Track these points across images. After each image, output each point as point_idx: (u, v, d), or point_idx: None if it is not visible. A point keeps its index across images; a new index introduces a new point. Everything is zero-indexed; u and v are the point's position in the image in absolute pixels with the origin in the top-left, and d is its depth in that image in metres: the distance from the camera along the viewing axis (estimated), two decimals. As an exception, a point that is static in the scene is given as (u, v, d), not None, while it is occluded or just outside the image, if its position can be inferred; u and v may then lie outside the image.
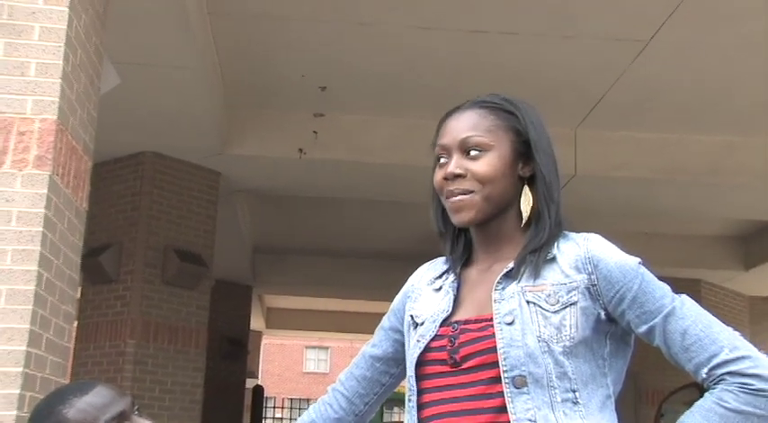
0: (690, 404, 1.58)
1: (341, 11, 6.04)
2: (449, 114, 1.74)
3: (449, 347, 1.63)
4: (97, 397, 1.69)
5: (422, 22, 6.14)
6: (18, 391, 3.05)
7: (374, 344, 1.88)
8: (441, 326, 1.67)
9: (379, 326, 1.89)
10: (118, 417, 1.68)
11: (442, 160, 1.70)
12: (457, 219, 1.69)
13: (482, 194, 1.66)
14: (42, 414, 1.72)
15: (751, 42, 6.27)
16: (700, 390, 1.58)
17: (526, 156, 1.68)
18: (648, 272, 1.62)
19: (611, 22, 6.05)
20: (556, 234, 1.66)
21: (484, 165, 1.66)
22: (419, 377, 1.67)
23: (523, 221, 1.67)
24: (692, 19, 5.91)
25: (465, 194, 1.67)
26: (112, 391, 1.72)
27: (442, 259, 1.81)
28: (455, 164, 1.68)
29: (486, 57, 6.53)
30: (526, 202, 1.67)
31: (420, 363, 1.67)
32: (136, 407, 1.74)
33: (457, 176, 1.67)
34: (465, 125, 1.69)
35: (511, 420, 1.53)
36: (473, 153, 1.67)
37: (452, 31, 6.25)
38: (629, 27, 6.12)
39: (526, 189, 1.67)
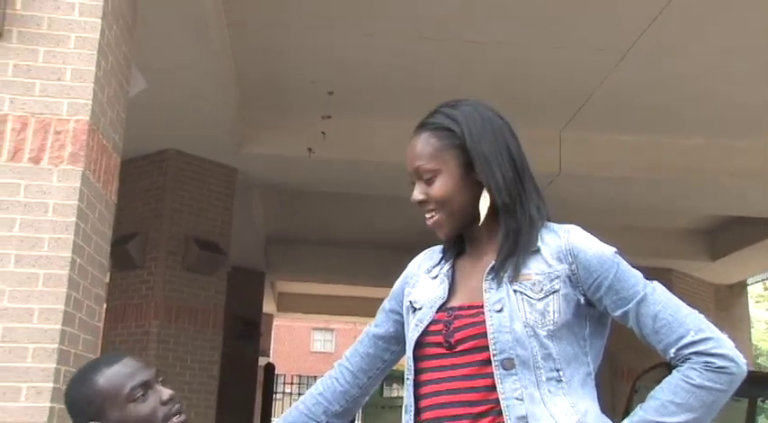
0: (661, 381, 1.60)
1: (348, 22, 6.04)
2: (411, 139, 1.74)
3: (444, 332, 1.64)
4: (125, 367, 1.73)
5: (421, 33, 6.14)
6: (54, 366, 3.06)
7: (376, 324, 1.89)
8: (437, 311, 1.68)
9: (380, 308, 1.90)
10: (143, 385, 1.71)
11: (413, 183, 1.72)
12: (439, 235, 1.73)
13: (444, 213, 1.68)
14: (78, 382, 1.75)
15: (722, 52, 6.28)
16: (669, 368, 1.60)
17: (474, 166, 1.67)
18: (624, 261, 1.63)
19: (593, 33, 6.05)
20: (537, 230, 1.66)
21: (437, 188, 1.67)
22: (417, 358, 1.68)
23: (480, 221, 1.67)
24: (669, 29, 5.90)
25: (432, 216, 1.69)
26: (139, 362, 1.76)
27: (438, 248, 1.82)
28: (417, 190, 1.71)
29: (480, 64, 6.53)
30: (483, 203, 1.66)
31: (418, 345, 1.68)
32: (160, 377, 1.76)
33: (421, 202, 1.70)
34: (415, 154, 1.70)
35: (500, 399, 1.55)
36: (427, 178, 1.68)
37: (449, 41, 6.25)
38: (610, 37, 6.11)
39: (484, 192, 1.66)
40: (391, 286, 1.91)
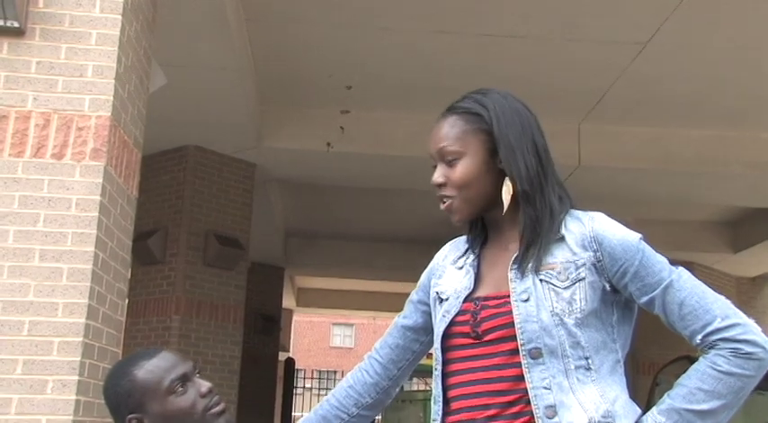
0: (681, 374, 1.60)
1: (365, 17, 6.05)
2: (436, 121, 1.74)
3: (471, 322, 1.64)
4: (163, 361, 1.74)
5: (437, 27, 6.14)
6: (79, 359, 3.10)
7: (405, 316, 1.89)
8: (464, 302, 1.68)
9: (408, 299, 1.90)
10: (181, 377, 1.73)
11: (435, 166, 1.72)
12: (452, 220, 1.72)
13: (461, 199, 1.67)
14: (117, 376, 1.77)
15: (739, 44, 6.24)
16: (691, 361, 1.59)
17: (499, 152, 1.67)
18: (648, 247, 1.62)
19: (612, 25, 6.03)
20: (558, 220, 1.65)
21: (458, 172, 1.66)
22: (445, 349, 1.68)
23: (504, 210, 1.66)
24: (686, 22, 5.88)
25: (447, 200, 1.69)
26: (176, 355, 1.77)
27: (463, 239, 1.81)
28: (437, 173, 1.70)
29: (497, 58, 6.52)
30: (506, 191, 1.65)
31: (446, 336, 1.68)
32: (197, 370, 1.78)
33: (440, 185, 1.69)
34: (440, 135, 1.70)
35: (528, 389, 1.55)
36: (450, 160, 1.68)
37: (465, 35, 6.25)
38: (628, 30, 6.09)
39: (506, 180, 1.65)
40: (411, 280, 1.92)
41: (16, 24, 3.30)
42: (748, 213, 10.80)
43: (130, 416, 1.71)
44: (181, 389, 1.71)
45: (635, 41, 6.24)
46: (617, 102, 7.28)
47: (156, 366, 1.72)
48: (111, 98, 3.35)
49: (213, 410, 1.74)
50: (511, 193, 1.65)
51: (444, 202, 1.70)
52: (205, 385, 1.75)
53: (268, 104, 7.46)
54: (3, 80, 3.30)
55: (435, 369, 1.70)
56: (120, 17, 3.42)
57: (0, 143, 3.24)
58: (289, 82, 7.19)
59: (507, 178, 1.66)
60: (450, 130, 1.69)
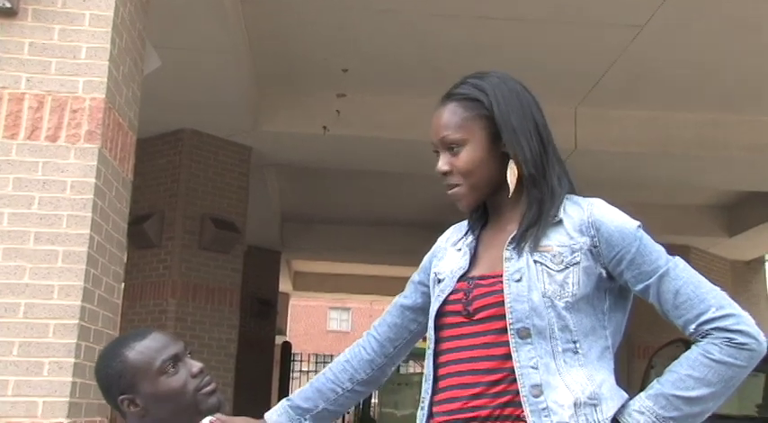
0: (675, 358, 1.60)
1: (362, 0, 6.03)
2: (436, 107, 1.73)
3: (464, 300, 1.65)
4: (154, 341, 1.75)
5: (434, 10, 6.11)
6: (75, 341, 3.11)
7: (405, 295, 1.90)
8: (458, 281, 1.69)
9: (409, 280, 1.91)
10: (172, 358, 1.73)
11: (437, 154, 1.72)
12: (459, 208, 1.73)
13: (467, 186, 1.68)
14: (108, 357, 1.77)
15: (737, 26, 6.22)
16: (685, 345, 1.60)
17: (502, 136, 1.67)
18: (646, 235, 1.63)
19: (608, 8, 6.01)
20: (559, 201, 1.66)
21: (463, 159, 1.67)
22: (438, 327, 1.70)
23: (510, 193, 1.67)
24: (682, 5, 5.86)
25: (454, 188, 1.69)
26: (167, 336, 1.78)
27: (466, 222, 1.82)
28: (442, 161, 1.70)
29: (493, 41, 6.50)
30: (511, 174, 1.66)
31: (439, 314, 1.69)
32: (188, 351, 1.79)
33: (445, 173, 1.69)
34: (441, 124, 1.69)
35: (515, 368, 1.56)
36: (454, 149, 1.68)
37: (462, 18, 6.22)
38: (625, 13, 6.07)
39: (511, 163, 1.66)
40: (408, 264, 1.93)
41: (8, 5, 3.28)
42: (744, 197, 10.83)
43: (122, 396, 1.72)
44: (172, 369, 1.72)
45: (632, 24, 6.22)
46: (614, 85, 7.27)
47: (148, 347, 1.73)
48: (106, 80, 3.33)
49: (204, 390, 1.74)
50: (516, 175, 1.66)
51: (449, 191, 1.70)
52: (196, 365, 1.75)
53: (264, 88, 7.44)
54: (-4, 62, 3.28)
55: (428, 347, 1.72)
56: (113, -2, 3.40)
57: (-7, 125, 3.22)
58: (285, 65, 7.17)
59: (512, 161, 1.66)
60: (451, 118, 1.68)
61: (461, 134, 1.67)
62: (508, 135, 1.65)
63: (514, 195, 1.68)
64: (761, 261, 13.30)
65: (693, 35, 6.39)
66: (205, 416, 1.77)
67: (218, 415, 1.83)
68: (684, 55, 6.74)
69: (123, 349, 1.73)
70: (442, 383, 1.66)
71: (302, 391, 1.90)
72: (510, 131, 1.65)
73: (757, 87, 7.32)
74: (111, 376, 1.73)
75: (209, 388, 1.75)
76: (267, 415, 1.89)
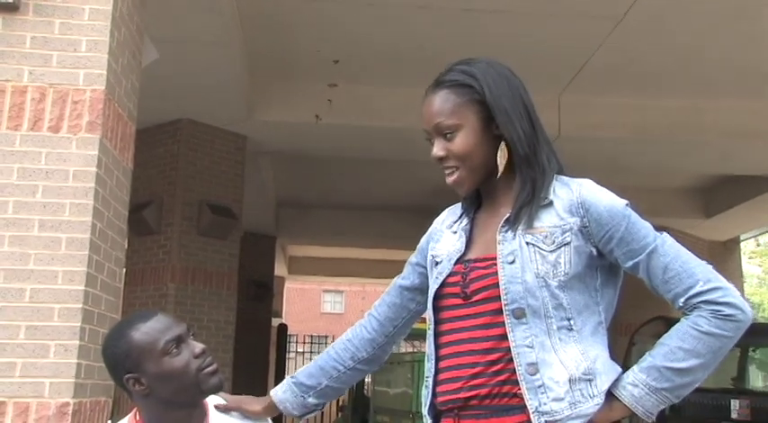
0: (656, 335, 1.61)
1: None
2: (425, 95, 1.73)
3: (461, 283, 1.66)
4: (158, 323, 1.76)
5: (422, 2, 6.10)
6: (79, 324, 3.11)
7: (404, 276, 1.91)
8: (455, 264, 1.69)
9: (407, 262, 1.92)
10: (176, 339, 1.74)
11: (431, 141, 1.72)
12: (458, 193, 1.73)
13: (465, 170, 1.68)
14: (114, 337, 1.78)
15: (714, 16, 6.23)
16: (665, 322, 1.62)
17: (496, 119, 1.67)
18: (634, 213, 1.63)
19: (589, 0, 6.01)
20: (549, 179, 1.66)
21: (458, 144, 1.66)
22: (437, 309, 1.70)
23: (499, 173, 1.67)
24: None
25: (453, 173, 1.69)
26: (171, 318, 1.79)
27: (460, 205, 1.82)
28: (437, 147, 1.69)
29: (479, 32, 6.49)
30: (501, 156, 1.66)
31: (438, 296, 1.70)
32: (191, 332, 1.80)
33: (441, 158, 1.69)
34: (433, 111, 1.69)
35: (511, 347, 1.57)
36: (447, 135, 1.67)
37: (449, 10, 6.21)
38: (605, 4, 6.07)
39: (502, 145, 1.66)
40: (400, 248, 1.95)
41: (10, 0, 3.26)
42: (720, 180, 10.87)
43: (128, 375, 1.73)
44: (175, 350, 1.73)
45: (612, 15, 6.23)
46: (595, 73, 7.27)
47: (152, 328, 1.74)
48: (105, 72, 3.32)
49: (206, 370, 1.75)
50: (506, 157, 1.66)
51: (450, 175, 1.70)
52: (198, 346, 1.76)
53: (258, 78, 7.42)
54: (-2, 55, 3.27)
55: (429, 328, 1.72)
56: (112, -8, 3.39)
57: (-2, 117, 3.21)
58: (278, 56, 7.15)
59: (502, 143, 1.66)
60: (443, 105, 1.68)
61: (455, 120, 1.66)
62: (501, 117, 1.65)
63: (506, 178, 1.68)
64: (736, 241, 13.37)
65: (671, 25, 6.40)
66: (207, 395, 1.78)
67: (223, 394, 1.84)
68: (663, 44, 6.75)
69: (129, 330, 1.74)
70: (443, 363, 1.67)
71: (306, 368, 1.91)
72: (503, 114, 1.65)
73: (733, 75, 7.34)
74: (118, 356, 1.74)
75: (210, 368, 1.76)
76: (272, 392, 1.91)
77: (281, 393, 1.89)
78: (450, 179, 1.70)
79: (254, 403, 1.87)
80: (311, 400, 1.88)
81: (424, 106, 1.72)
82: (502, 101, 1.66)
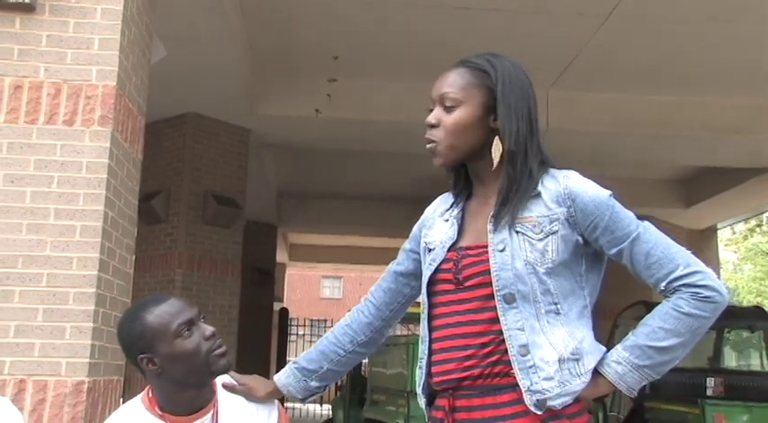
0: (638, 318, 1.64)
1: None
2: (447, 70, 1.73)
3: (454, 269, 1.67)
4: (171, 306, 1.76)
5: (418, 1, 6.11)
6: (93, 308, 3.13)
7: (398, 262, 1.91)
8: (448, 251, 1.70)
9: (401, 248, 1.92)
10: (187, 322, 1.75)
11: (431, 110, 1.72)
12: (434, 163, 1.73)
13: (445, 144, 1.68)
14: (129, 319, 1.79)
15: (696, 15, 6.25)
16: (646, 306, 1.64)
17: (497, 110, 1.67)
18: (618, 203, 1.64)
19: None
20: (535, 176, 1.66)
21: (453, 118, 1.67)
22: (430, 294, 1.72)
23: (493, 166, 1.67)
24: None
25: (432, 143, 1.69)
26: (183, 302, 1.79)
27: (451, 193, 1.83)
28: (433, 114, 1.70)
29: (471, 30, 6.50)
30: (496, 149, 1.66)
31: (431, 282, 1.71)
32: (202, 315, 1.80)
33: (432, 126, 1.69)
34: (445, 82, 1.69)
35: (503, 330, 1.58)
36: (448, 106, 1.67)
37: (444, 8, 6.22)
38: (592, 3, 6.09)
39: (496, 139, 1.66)
40: (396, 235, 1.96)
41: (27, 1, 3.27)
42: (699, 172, 10.91)
43: (141, 355, 1.74)
44: (187, 332, 1.74)
45: (599, 13, 6.24)
46: (582, 70, 7.29)
47: (165, 311, 1.75)
48: (117, 69, 3.33)
49: (216, 352, 1.76)
50: (500, 151, 1.66)
51: (430, 144, 1.70)
52: (209, 329, 1.77)
53: (261, 74, 7.42)
54: (16, 53, 3.28)
55: (423, 313, 1.74)
56: (123, -7, 3.40)
57: (15, 111, 3.23)
58: (280, 53, 7.15)
59: (497, 138, 1.66)
60: (456, 79, 1.69)
61: (461, 95, 1.67)
62: (503, 110, 1.65)
63: (498, 170, 1.68)
64: (713, 229, 13.41)
65: (655, 23, 6.41)
66: (216, 376, 1.79)
67: (232, 373, 1.85)
68: (647, 42, 6.76)
69: (143, 312, 1.75)
70: (436, 345, 1.68)
71: (307, 353, 1.92)
72: (506, 107, 1.66)
73: (712, 72, 7.36)
74: (132, 337, 1.75)
75: (220, 350, 1.77)
76: (276, 377, 1.92)
77: (284, 378, 1.91)
78: (429, 146, 1.71)
79: (258, 390, 1.87)
80: (313, 383, 1.90)
81: (440, 76, 1.72)
82: (510, 96, 1.67)
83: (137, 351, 1.75)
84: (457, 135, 1.67)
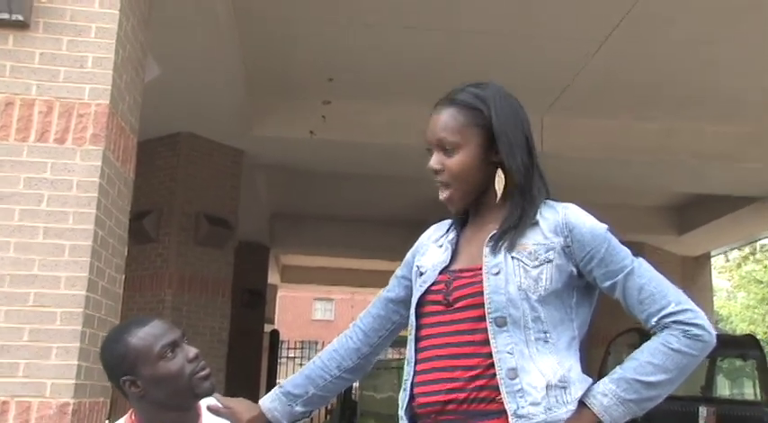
0: (631, 345, 1.64)
1: (346, 14, 6.04)
2: (434, 108, 1.73)
3: (444, 291, 1.67)
4: (154, 328, 1.75)
5: (412, 24, 6.14)
6: (80, 328, 3.11)
7: (389, 289, 1.91)
8: (440, 273, 1.70)
9: (393, 275, 1.92)
10: (171, 344, 1.74)
11: (430, 152, 1.72)
12: (450, 209, 1.74)
13: (460, 191, 1.69)
14: (112, 341, 1.78)
15: (689, 42, 6.30)
16: (639, 333, 1.64)
17: (496, 144, 1.68)
18: (614, 237, 1.66)
19: (572, 24, 6.06)
20: (537, 204, 1.67)
21: (455, 162, 1.67)
22: (419, 315, 1.71)
23: (497, 199, 1.68)
24: (640, 22, 5.92)
25: (446, 190, 1.70)
26: (167, 324, 1.79)
27: (447, 221, 1.83)
28: (434, 160, 1.70)
29: (465, 53, 6.53)
30: (499, 182, 1.67)
31: (420, 303, 1.71)
32: (185, 338, 1.79)
33: (436, 171, 1.70)
34: (439, 126, 1.69)
35: (493, 352, 1.57)
36: (448, 150, 1.68)
37: (437, 31, 6.26)
38: (587, 29, 6.13)
39: (499, 172, 1.67)
40: (388, 258, 1.95)
41: (21, 18, 3.27)
42: (692, 199, 10.94)
43: (124, 378, 1.73)
44: (170, 354, 1.73)
45: (594, 39, 6.28)
46: (577, 96, 7.32)
47: (148, 333, 1.74)
48: (110, 87, 3.33)
49: (199, 374, 1.75)
50: (503, 184, 1.67)
51: (442, 191, 1.71)
52: (192, 351, 1.76)
53: (255, 95, 7.43)
54: (8, 70, 3.27)
55: (410, 334, 1.73)
56: (117, 12, 3.40)
57: (6, 128, 3.22)
58: (275, 75, 7.16)
59: (500, 170, 1.67)
60: (449, 122, 1.68)
61: (458, 138, 1.67)
62: (504, 147, 1.66)
63: (494, 199, 1.69)
64: (707, 257, 13.45)
65: (649, 50, 6.45)
66: (199, 398, 1.78)
67: (216, 395, 1.84)
68: (642, 68, 6.80)
69: (126, 335, 1.74)
70: (421, 366, 1.67)
71: (293, 378, 1.91)
72: (506, 144, 1.67)
73: (706, 99, 7.40)
74: (115, 359, 1.74)
75: (203, 373, 1.76)
76: (261, 401, 1.90)
77: (269, 403, 1.88)
78: (442, 195, 1.72)
79: (243, 413, 1.84)
80: (299, 408, 1.87)
81: (431, 119, 1.72)
82: (507, 130, 1.68)
83: (119, 373, 1.73)
84: (465, 179, 1.69)
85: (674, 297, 1.59)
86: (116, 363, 1.73)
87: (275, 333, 15.41)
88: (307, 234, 12.95)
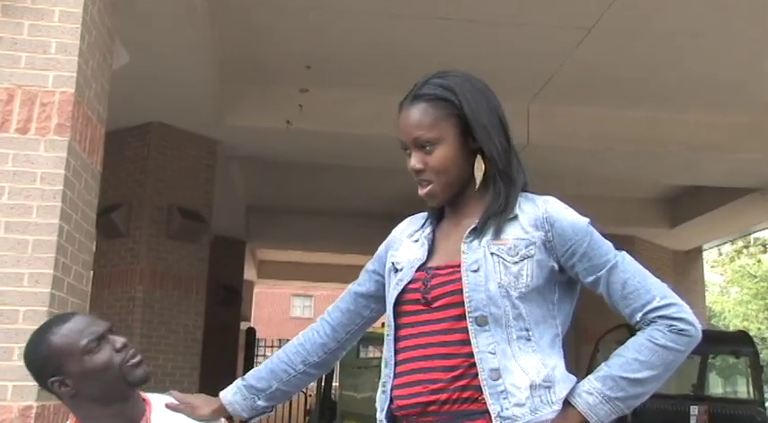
0: (620, 342, 1.64)
1: (324, 0, 6.02)
2: (401, 106, 1.72)
3: (422, 289, 1.66)
4: (76, 323, 1.75)
5: (394, 10, 6.12)
6: (44, 327, 3.07)
7: (359, 283, 1.90)
8: (417, 271, 1.69)
9: (363, 269, 1.91)
10: (96, 338, 1.74)
11: (407, 152, 1.71)
12: (430, 204, 1.74)
13: (441, 184, 1.68)
14: (33, 343, 1.77)
15: (678, 32, 6.33)
16: (629, 330, 1.64)
17: (472, 131, 1.67)
18: (596, 231, 1.66)
19: (559, 12, 6.07)
20: (517, 192, 1.67)
21: (437, 158, 1.66)
22: (397, 314, 1.70)
23: (476, 187, 1.68)
24: (627, 11, 5.94)
25: (428, 186, 1.69)
26: (89, 317, 1.79)
27: (421, 215, 1.83)
28: (415, 159, 1.69)
29: (449, 41, 6.53)
30: (478, 169, 1.67)
31: (398, 302, 1.70)
32: (112, 329, 1.79)
33: (419, 170, 1.69)
34: (412, 124, 1.68)
35: (474, 352, 1.57)
36: (427, 148, 1.67)
37: (420, 18, 6.24)
38: (574, 17, 6.14)
39: (478, 158, 1.67)
40: (369, 253, 1.92)
41: (-21, 1, 3.22)
42: (683, 191, 11.02)
43: (52, 379, 1.73)
44: (96, 347, 1.73)
45: (580, 27, 6.29)
46: (563, 84, 7.34)
47: (70, 329, 1.73)
48: (75, 74, 3.29)
49: (130, 362, 1.75)
50: (483, 170, 1.67)
51: (424, 188, 1.70)
52: (119, 341, 1.76)
53: (230, 83, 7.38)
54: (-34, 55, 3.22)
55: (387, 334, 1.72)
56: (83, -5, 3.36)
57: (-36, 117, 3.17)
58: (250, 61, 7.12)
59: (479, 157, 1.67)
60: (423, 118, 1.67)
61: (435, 134, 1.66)
62: (480, 132, 1.66)
63: (479, 191, 1.69)
64: (699, 250, 13.55)
65: (637, 39, 6.48)
66: (134, 386, 1.78)
67: (174, 392, 1.85)
68: (629, 57, 6.84)
69: (47, 334, 1.74)
70: (401, 368, 1.67)
71: (256, 371, 1.91)
72: (481, 128, 1.66)
73: (695, 89, 7.45)
74: (39, 361, 1.74)
75: (134, 360, 1.76)
76: (222, 394, 1.90)
77: (230, 396, 1.89)
78: (422, 191, 1.71)
79: (202, 408, 1.85)
80: (261, 402, 1.88)
81: (400, 118, 1.71)
82: (480, 115, 1.67)
83: (46, 375, 1.73)
84: (448, 172, 1.68)
85: (658, 291, 1.60)
86: (41, 365, 1.73)
87: (252, 331, 15.37)
88: (284, 228, 12.91)
